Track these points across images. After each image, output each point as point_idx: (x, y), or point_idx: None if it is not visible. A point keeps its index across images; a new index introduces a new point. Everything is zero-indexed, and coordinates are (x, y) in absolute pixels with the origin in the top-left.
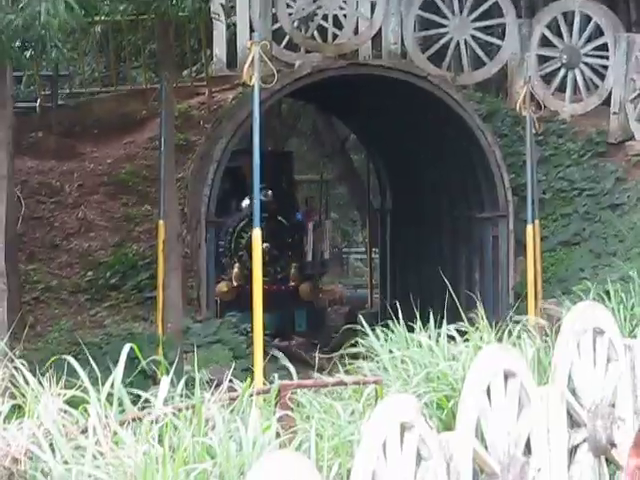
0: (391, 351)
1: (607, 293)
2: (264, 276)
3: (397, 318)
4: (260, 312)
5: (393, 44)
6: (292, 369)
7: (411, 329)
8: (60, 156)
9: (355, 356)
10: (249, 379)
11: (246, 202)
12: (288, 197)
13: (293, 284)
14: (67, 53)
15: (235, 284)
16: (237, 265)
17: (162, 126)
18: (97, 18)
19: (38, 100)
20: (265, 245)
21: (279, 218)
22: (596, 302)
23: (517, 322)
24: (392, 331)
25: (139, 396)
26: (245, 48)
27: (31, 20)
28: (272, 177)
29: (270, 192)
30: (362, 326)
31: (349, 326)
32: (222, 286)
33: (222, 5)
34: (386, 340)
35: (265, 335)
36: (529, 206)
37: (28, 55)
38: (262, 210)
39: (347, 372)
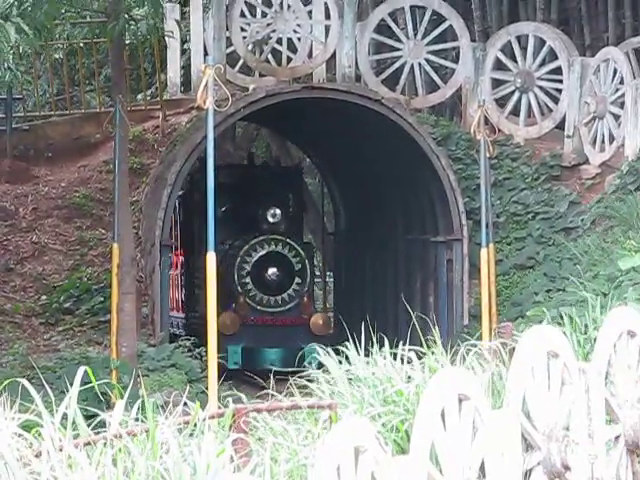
0: (347, 372)
1: (561, 316)
2: (270, 306)
3: (353, 340)
4: (214, 333)
5: (347, 67)
6: (243, 395)
7: (367, 352)
8: (14, 179)
9: (311, 378)
10: (201, 403)
11: (249, 221)
12: (297, 217)
13: (304, 316)
14: (21, 76)
15: (239, 316)
16: (241, 295)
17: (116, 149)
18: (51, 41)
19: None
20: (272, 271)
21: (287, 240)
22: (550, 325)
23: (472, 345)
24: (347, 353)
25: (93, 420)
26: (199, 72)
27: None
28: (280, 194)
29: (278, 211)
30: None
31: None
32: (224, 318)
33: (177, 21)
34: (341, 362)
35: (268, 371)
36: (483, 230)
37: None
38: (269, 232)
39: (304, 393)
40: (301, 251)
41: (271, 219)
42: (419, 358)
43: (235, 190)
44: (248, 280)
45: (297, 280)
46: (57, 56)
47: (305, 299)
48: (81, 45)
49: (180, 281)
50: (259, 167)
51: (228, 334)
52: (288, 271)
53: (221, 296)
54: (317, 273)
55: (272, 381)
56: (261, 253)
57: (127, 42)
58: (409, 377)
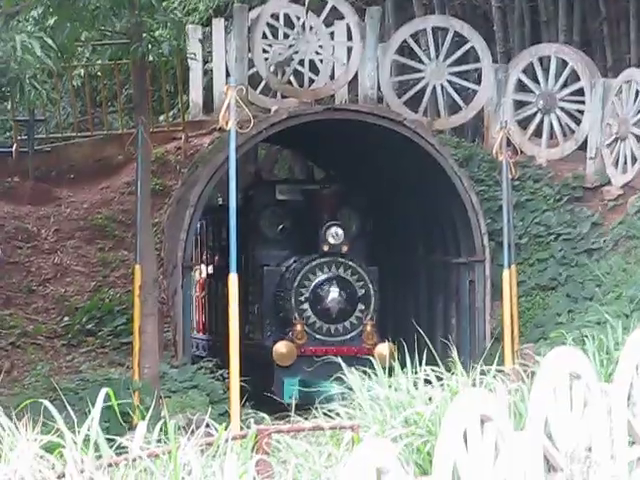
0: (369, 391)
1: (584, 337)
2: (330, 335)
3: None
4: (237, 356)
5: (370, 89)
6: (266, 416)
7: (390, 373)
8: (36, 201)
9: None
10: (225, 424)
11: (308, 240)
12: (360, 237)
13: (367, 346)
14: (46, 96)
15: (296, 345)
16: (299, 321)
17: (138, 171)
18: (73, 63)
19: (14, 145)
20: (333, 297)
21: (350, 263)
22: (573, 347)
23: (494, 367)
24: (371, 374)
25: (115, 441)
26: (221, 93)
27: (6, 57)
28: (341, 212)
29: (340, 231)
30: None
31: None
32: (280, 347)
33: (200, 42)
34: (364, 381)
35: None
36: (505, 251)
37: (5, 94)
38: (330, 253)
39: (326, 415)
40: (365, 275)
41: (332, 240)
42: (440, 380)
43: (292, 207)
44: (307, 306)
45: (360, 307)
46: (79, 77)
47: (369, 327)
48: (104, 66)
49: (205, 302)
50: (319, 182)
51: (284, 365)
52: (350, 297)
53: (277, 324)
54: None
55: (294, 401)
56: (321, 277)
57: (149, 63)
58: (431, 398)
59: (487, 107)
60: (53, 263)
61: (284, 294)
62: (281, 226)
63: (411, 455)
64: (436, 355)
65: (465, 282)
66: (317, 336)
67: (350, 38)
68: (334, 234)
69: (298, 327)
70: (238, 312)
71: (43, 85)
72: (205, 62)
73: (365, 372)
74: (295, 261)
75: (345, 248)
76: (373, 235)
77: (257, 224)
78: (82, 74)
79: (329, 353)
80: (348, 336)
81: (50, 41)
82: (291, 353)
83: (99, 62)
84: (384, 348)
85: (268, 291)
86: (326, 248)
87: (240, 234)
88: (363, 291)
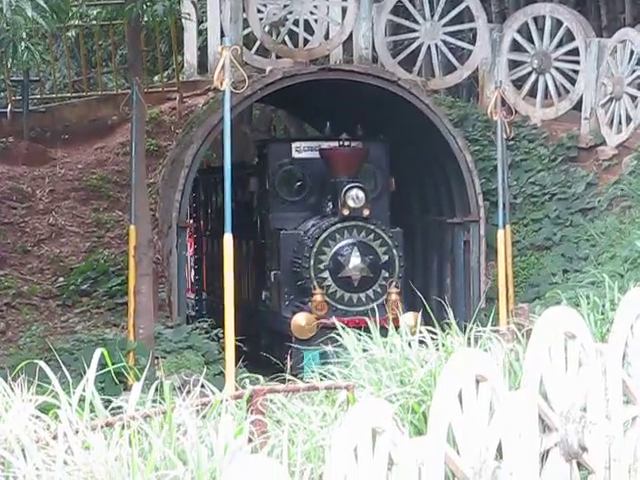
0: (364, 350)
1: (578, 298)
2: (352, 305)
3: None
4: (232, 317)
5: (364, 49)
6: (260, 376)
7: (385, 333)
8: (31, 161)
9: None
10: (218, 384)
11: (327, 202)
12: (383, 200)
13: (392, 316)
14: (39, 56)
15: (316, 316)
16: (318, 291)
17: (133, 131)
18: (68, 23)
19: (9, 106)
20: (355, 264)
21: (373, 228)
22: (567, 306)
23: (489, 327)
24: (366, 333)
25: (110, 401)
26: (216, 53)
27: None
28: (363, 172)
29: (362, 194)
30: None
31: None
32: (299, 319)
33: (193, 3)
34: (359, 340)
35: None
36: (500, 211)
37: None
38: (351, 217)
39: (321, 374)
40: (388, 240)
41: (352, 203)
42: (434, 340)
43: (310, 167)
44: (326, 275)
45: (384, 274)
46: (72, 37)
47: (393, 296)
48: (98, 27)
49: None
50: (339, 141)
51: (303, 338)
52: (373, 263)
53: (295, 292)
54: None
55: (289, 361)
56: (341, 243)
57: (144, 24)
58: (425, 359)
59: (482, 67)
60: (48, 224)
61: (302, 261)
62: (298, 187)
63: (406, 415)
64: (432, 315)
65: (460, 242)
66: (339, 306)
67: None
68: (355, 197)
69: (318, 297)
70: (255, 278)
71: (37, 46)
72: (200, 22)
73: (360, 333)
74: (313, 225)
75: (367, 211)
76: (395, 195)
77: (272, 184)
78: (77, 34)
79: (351, 324)
80: (372, 305)
81: (42, 1)
82: (311, 325)
83: (94, 22)
84: (409, 318)
85: (285, 257)
86: (346, 212)
87: (255, 195)
88: (387, 257)
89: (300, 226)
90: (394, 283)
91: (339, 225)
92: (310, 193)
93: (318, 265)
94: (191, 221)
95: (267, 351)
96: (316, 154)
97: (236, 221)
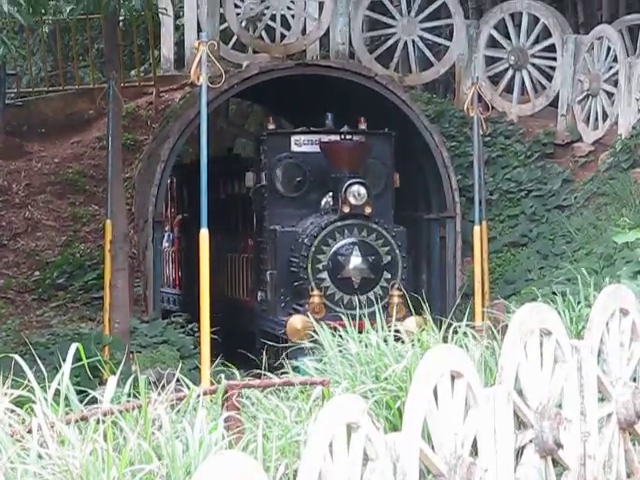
0: (339, 346)
1: (554, 294)
2: (352, 308)
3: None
4: (207, 311)
5: (341, 44)
6: (236, 371)
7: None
8: (7, 155)
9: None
10: (193, 379)
11: (327, 199)
12: (386, 197)
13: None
14: (15, 51)
15: (313, 318)
16: (316, 293)
17: (109, 126)
18: (44, 17)
19: None
20: (355, 265)
21: (374, 226)
22: (543, 303)
23: (465, 323)
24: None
25: (86, 396)
26: (193, 48)
27: None
28: (366, 168)
29: (364, 190)
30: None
31: None
32: (295, 322)
33: None
34: (334, 336)
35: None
36: (476, 207)
37: None
38: (353, 215)
39: (293, 369)
40: (391, 239)
41: (354, 200)
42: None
43: (310, 162)
44: (325, 275)
45: (386, 275)
46: (49, 31)
47: (396, 299)
48: (74, 21)
49: (177, 258)
50: (340, 134)
51: (298, 342)
52: (375, 264)
53: (292, 294)
54: None
55: (265, 357)
56: (341, 242)
57: (121, 18)
58: (401, 354)
59: (458, 63)
60: (24, 217)
61: (299, 261)
62: (297, 182)
63: (381, 411)
64: (412, 310)
65: (436, 238)
66: (337, 309)
67: None
68: (356, 193)
69: (315, 299)
70: (252, 277)
71: (13, 41)
72: (177, 17)
73: (335, 328)
74: (312, 223)
75: (368, 209)
76: (398, 192)
77: (270, 180)
78: (53, 28)
79: None
80: (372, 309)
81: None
82: (307, 329)
83: (70, 17)
84: (412, 322)
85: (282, 256)
86: (347, 209)
87: (251, 191)
88: (389, 257)
89: (298, 224)
90: (397, 285)
91: (339, 223)
92: (310, 189)
93: (316, 265)
94: (187, 215)
95: (261, 353)
96: (317, 148)
97: (232, 218)
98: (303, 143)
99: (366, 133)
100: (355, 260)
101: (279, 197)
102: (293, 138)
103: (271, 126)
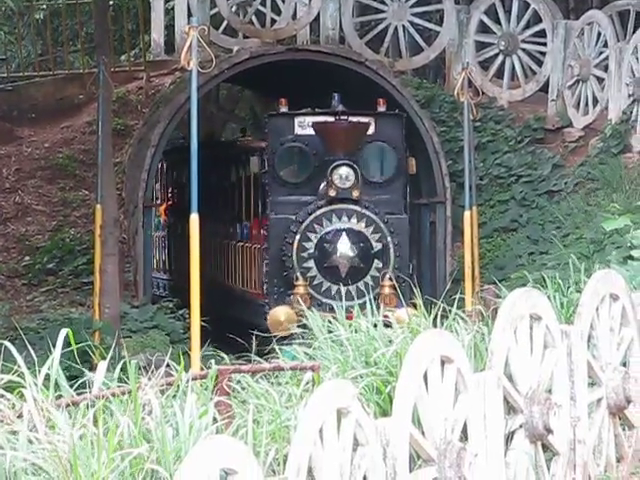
0: (330, 331)
1: (544, 279)
2: (340, 299)
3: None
4: (197, 295)
5: (331, 29)
6: (225, 356)
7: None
8: None
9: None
10: (183, 364)
11: (324, 185)
12: (397, 183)
13: (385, 312)
14: (5, 36)
15: (297, 311)
16: (301, 282)
17: (99, 110)
18: (36, 3)
19: None
20: (343, 252)
21: (363, 211)
22: (533, 288)
23: (455, 308)
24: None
25: (76, 381)
26: (183, 33)
27: None
28: (369, 151)
29: (352, 172)
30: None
31: None
32: (277, 313)
33: None
34: (324, 321)
35: None
36: (467, 192)
37: None
38: (340, 200)
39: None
40: (382, 226)
41: (340, 183)
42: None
43: (315, 145)
44: (311, 264)
45: (376, 264)
46: (40, 17)
47: (387, 289)
48: (64, 5)
49: (167, 242)
50: (343, 113)
51: (282, 335)
52: (364, 252)
53: (283, 286)
54: None
55: (254, 342)
56: (328, 228)
57: (111, 2)
58: (391, 340)
59: (449, 48)
60: (14, 202)
61: (284, 249)
62: (300, 167)
63: (372, 396)
64: (401, 296)
65: (426, 223)
66: (324, 300)
67: None
68: (342, 176)
69: (300, 289)
70: (256, 267)
71: (2, 26)
72: (167, 1)
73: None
74: (298, 210)
75: (356, 193)
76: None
77: (272, 164)
78: (43, 13)
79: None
80: (361, 300)
81: None
82: (290, 321)
83: (60, 1)
84: (403, 313)
85: (274, 245)
86: (333, 193)
87: (254, 177)
88: (380, 245)
89: (283, 211)
90: (388, 275)
91: (325, 209)
92: (314, 174)
93: (301, 253)
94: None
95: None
96: (319, 130)
97: (236, 205)
98: (308, 125)
99: (374, 114)
100: (342, 247)
101: (281, 183)
102: (297, 120)
103: (283, 109)
